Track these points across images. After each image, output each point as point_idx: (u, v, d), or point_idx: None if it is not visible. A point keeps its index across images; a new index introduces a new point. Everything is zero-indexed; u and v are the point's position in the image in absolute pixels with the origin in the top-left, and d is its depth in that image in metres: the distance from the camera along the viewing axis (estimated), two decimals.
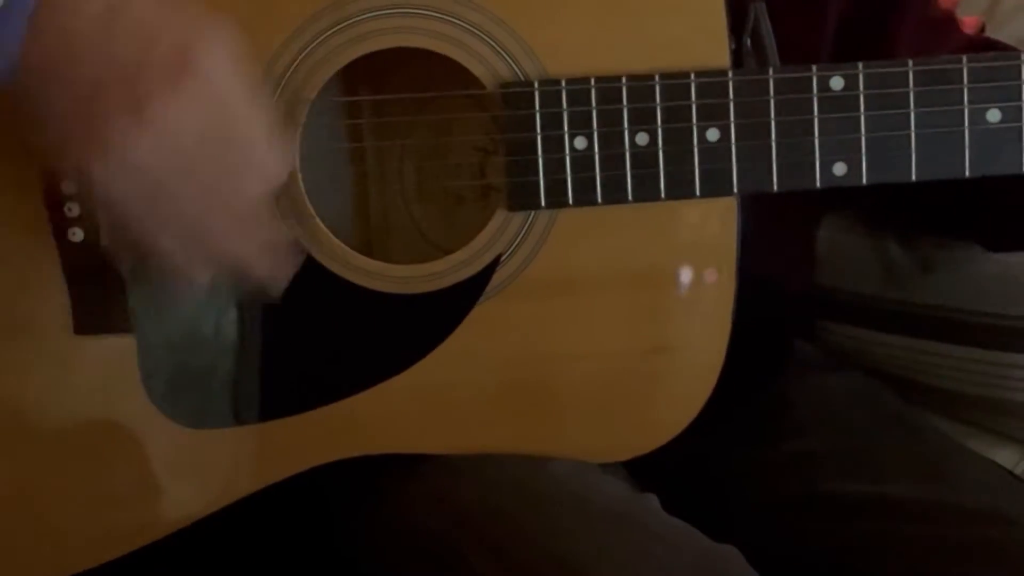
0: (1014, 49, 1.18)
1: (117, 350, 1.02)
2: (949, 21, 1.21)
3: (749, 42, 1.02)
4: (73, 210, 1.00)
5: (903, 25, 1.17)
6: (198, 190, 0.89)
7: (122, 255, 0.98)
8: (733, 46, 1.01)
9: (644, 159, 1.00)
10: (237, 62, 0.89)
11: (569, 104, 1.00)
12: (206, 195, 0.90)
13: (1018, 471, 1.30)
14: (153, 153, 0.86)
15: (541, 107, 1.00)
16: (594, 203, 1.01)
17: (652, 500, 1.03)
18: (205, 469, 1.05)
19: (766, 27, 1.02)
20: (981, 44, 1.20)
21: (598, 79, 0.99)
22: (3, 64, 0.86)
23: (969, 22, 1.22)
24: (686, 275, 1.03)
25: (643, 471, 1.09)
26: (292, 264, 0.97)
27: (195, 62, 0.87)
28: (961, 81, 0.99)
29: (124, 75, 0.86)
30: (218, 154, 0.89)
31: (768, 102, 1.00)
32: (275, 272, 0.95)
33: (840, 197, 1.24)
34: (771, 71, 1.00)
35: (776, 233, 1.10)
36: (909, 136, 1.00)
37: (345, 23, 1.00)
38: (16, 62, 0.86)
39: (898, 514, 1.09)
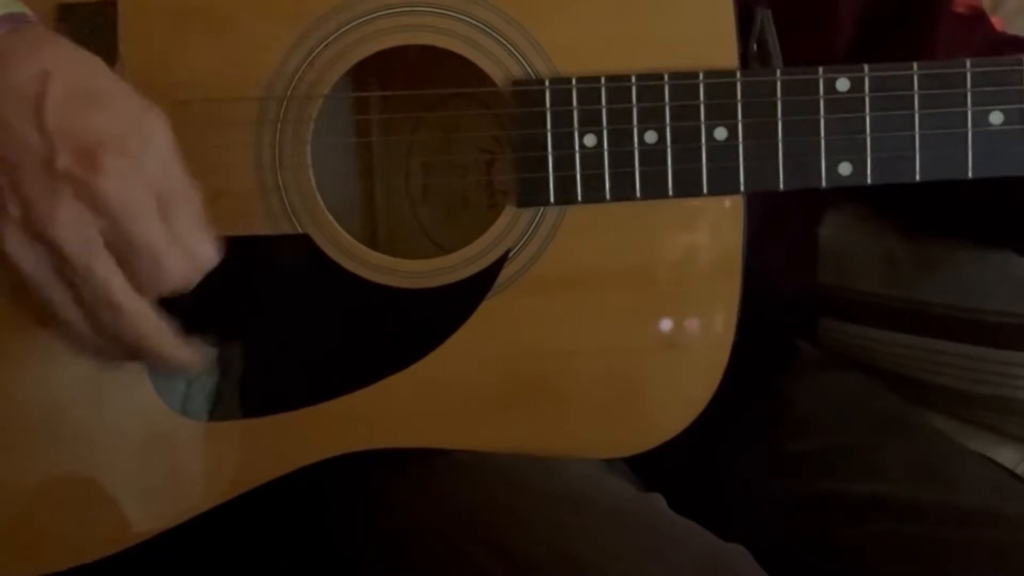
0: None
1: None
2: (980, 18, 1.21)
3: (755, 47, 1.03)
4: None
5: (938, 22, 1.18)
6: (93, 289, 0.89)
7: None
8: (740, 51, 1.02)
9: (653, 157, 1.01)
10: (155, 165, 0.88)
11: (579, 102, 1.01)
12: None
13: (1019, 470, 1.30)
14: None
15: (552, 105, 1.01)
16: (603, 200, 1.02)
17: (659, 500, 1.03)
18: (211, 463, 1.05)
19: (771, 33, 1.03)
20: (1011, 41, 1.21)
21: (608, 78, 1.01)
22: None
23: (994, 22, 1.23)
24: (692, 273, 1.04)
25: (644, 470, 1.10)
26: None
27: (101, 172, 0.86)
28: (964, 84, 1.01)
29: (34, 162, 0.86)
30: (122, 260, 0.89)
31: (775, 102, 1.01)
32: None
33: (842, 194, 1.26)
34: (778, 72, 1.01)
35: (777, 231, 1.11)
36: (913, 137, 1.01)
37: (358, 21, 1.01)
38: None
39: (898, 514, 1.09)
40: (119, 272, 0.88)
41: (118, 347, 0.92)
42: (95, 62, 0.91)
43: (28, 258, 0.87)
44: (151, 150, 0.88)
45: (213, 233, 0.92)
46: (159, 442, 1.05)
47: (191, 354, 0.94)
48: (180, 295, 0.91)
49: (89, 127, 0.87)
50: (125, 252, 0.88)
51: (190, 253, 0.90)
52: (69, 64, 0.89)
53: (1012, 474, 1.21)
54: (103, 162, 0.86)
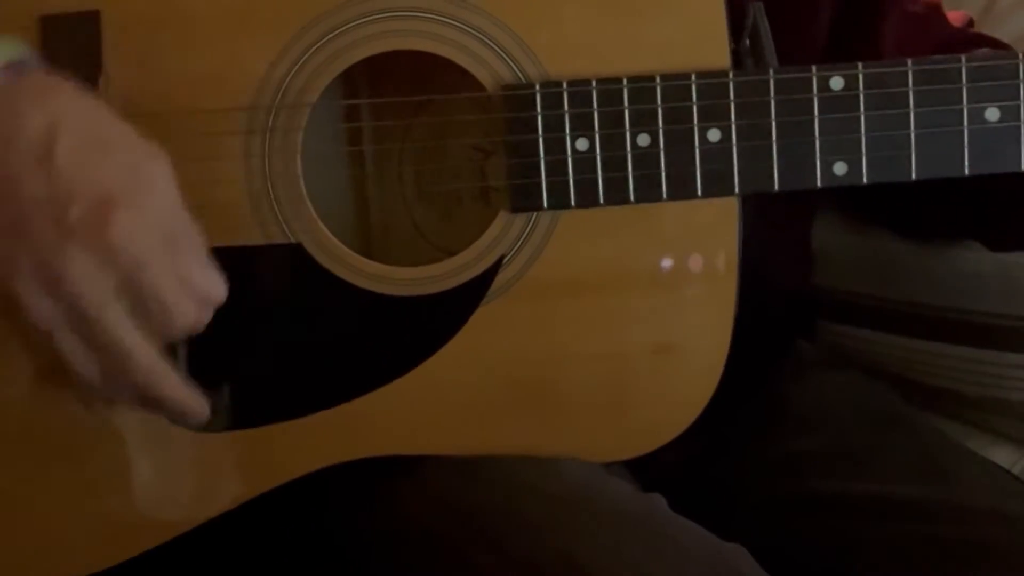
0: (1003, 44, 1.19)
1: None
2: (934, 15, 1.21)
3: (748, 42, 1.03)
4: None
5: (885, 20, 1.18)
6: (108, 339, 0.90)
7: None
8: (732, 46, 1.02)
9: (646, 160, 1.01)
10: (162, 212, 0.89)
11: (571, 106, 1.00)
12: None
13: (1016, 471, 1.30)
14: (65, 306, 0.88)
15: (543, 109, 1.00)
16: (596, 204, 1.01)
17: (659, 500, 1.03)
18: (210, 473, 1.05)
19: (764, 27, 1.03)
20: (969, 38, 1.20)
21: (599, 80, 1.00)
22: None
23: (954, 16, 1.22)
24: (688, 275, 1.04)
25: (643, 471, 1.10)
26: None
27: (114, 224, 0.87)
28: (960, 80, 1.00)
29: (42, 223, 0.87)
30: (133, 307, 0.89)
31: (769, 102, 1.00)
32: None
33: (834, 195, 1.25)
34: (771, 72, 1.01)
35: (770, 232, 1.10)
36: (909, 135, 1.01)
37: (346, 27, 1.00)
38: None
39: (898, 514, 1.09)
40: (130, 322, 0.89)
41: (128, 393, 0.93)
42: (98, 108, 0.92)
43: (41, 310, 0.88)
44: (156, 196, 0.89)
45: (217, 271, 0.93)
46: (157, 455, 1.04)
47: (199, 403, 0.95)
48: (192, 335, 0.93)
49: (98, 178, 0.88)
50: (136, 301, 0.89)
51: (199, 293, 0.92)
52: (76, 113, 0.90)
53: (1010, 474, 1.21)
54: (115, 214, 0.87)
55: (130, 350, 0.90)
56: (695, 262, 1.04)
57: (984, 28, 1.25)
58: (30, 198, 0.87)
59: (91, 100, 0.92)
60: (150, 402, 0.94)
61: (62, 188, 0.87)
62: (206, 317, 0.93)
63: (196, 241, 0.92)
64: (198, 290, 0.91)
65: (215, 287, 0.93)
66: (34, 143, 0.87)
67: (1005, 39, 1.20)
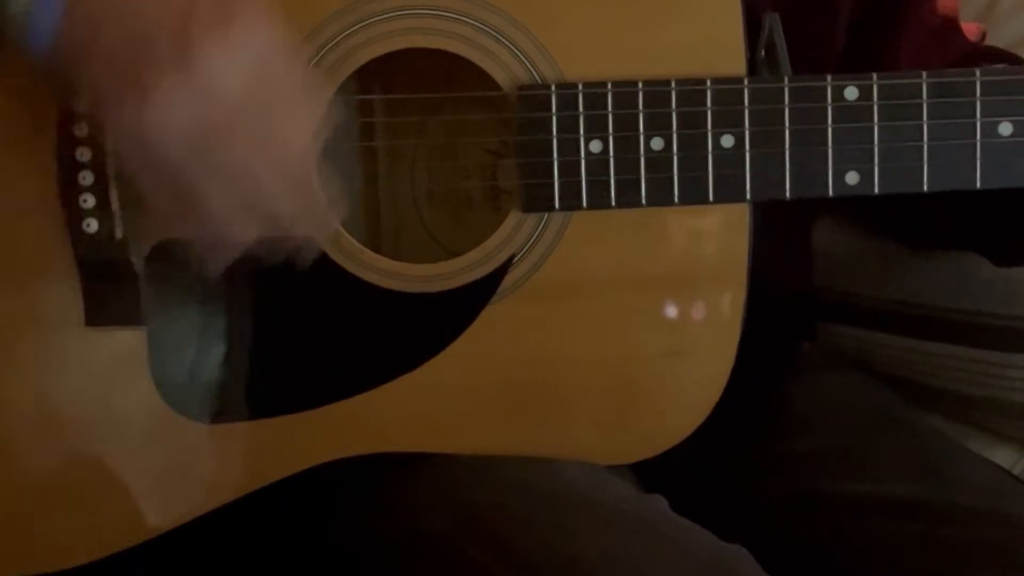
0: (1019, 59, 1.19)
1: (128, 343, 1.03)
2: (951, 28, 1.21)
3: (763, 52, 1.02)
4: (88, 201, 0.99)
5: (905, 34, 1.17)
6: (246, 140, 0.90)
7: (162, 214, 0.97)
8: (748, 55, 1.02)
9: (658, 164, 1.01)
10: (276, 17, 0.90)
11: (585, 107, 1.00)
12: (253, 145, 0.90)
13: (1016, 471, 1.31)
14: (201, 102, 0.87)
15: (557, 110, 1.00)
16: (608, 206, 1.02)
17: (660, 501, 1.03)
18: (214, 465, 1.05)
19: (780, 38, 1.02)
20: (983, 52, 1.20)
21: (615, 83, 1.00)
22: (48, 21, 0.88)
23: (969, 29, 1.22)
24: (697, 280, 1.04)
25: (644, 471, 1.10)
26: (330, 226, 0.97)
27: (240, 14, 0.88)
28: (974, 94, 1.00)
29: (170, 25, 0.87)
30: (265, 104, 0.90)
31: (783, 110, 1.00)
32: (314, 232, 0.96)
33: (835, 200, 1.25)
34: (786, 80, 1.01)
35: (773, 233, 1.10)
36: (922, 147, 1.01)
37: (362, 23, 1.00)
38: (57, 23, 0.88)
39: (898, 514, 1.10)
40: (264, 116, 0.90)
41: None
42: None
43: (190, 101, 0.88)
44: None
45: None
46: (162, 444, 1.05)
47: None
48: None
49: None
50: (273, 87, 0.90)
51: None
52: None
53: (1010, 475, 1.21)
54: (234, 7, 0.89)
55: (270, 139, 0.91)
56: (705, 267, 1.04)
57: (985, 30, 1.24)
58: (154, 10, 0.88)
59: None
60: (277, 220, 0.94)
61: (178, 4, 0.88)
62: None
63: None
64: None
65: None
66: None
67: (1006, 41, 1.20)
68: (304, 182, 0.93)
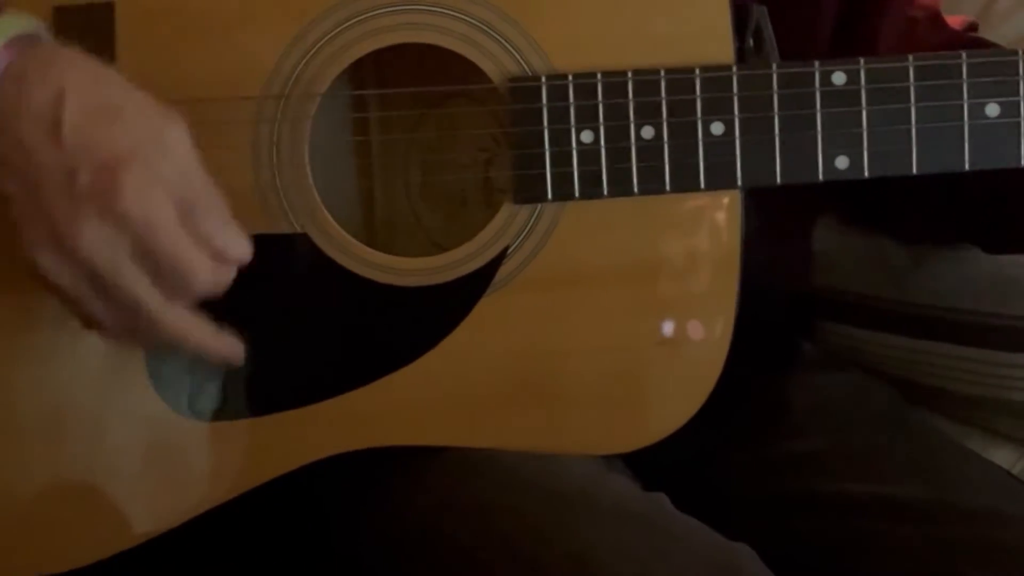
0: (1002, 47, 1.20)
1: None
2: (933, 19, 1.22)
3: (751, 42, 1.04)
4: None
5: (885, 25, 1.19)
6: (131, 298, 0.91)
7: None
8: (736, 46, 1.03)
9: (650, 152, 1.02)
10: (174, 172, 0.90)
11: (576, 98, 1.01)
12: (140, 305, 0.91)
13: (1016, 471, 1.30)
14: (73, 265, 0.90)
15: (548, 101, 1.01)
16: (600, 196, 1.02)
17: (664, 499, 1.03)
18: (211, 463, 1.05)
19: (767, 28, 1.03)
20: (967, 42, 1.21)
21: (605, 73, 1.01)
22: None
23: (954, 21, 1.23)
24: (691, 267, 1.04)
25: (644, 470, 1.10)
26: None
27: (121, 189, 0.88)
28: (960, 76, 1.01)
29: (56, 186, 0.88)
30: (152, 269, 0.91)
31: (771, 96, 1.01)
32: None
33: (835, 196, 1.26)
34: (774, 66, 1.01)
35: (772, 232, 1.11)
36: (910, 130, 1.01)
37: (356, 19, 1.01)
38: None
39: (898, 514, 1.09)
40: (147, 283, 0.90)
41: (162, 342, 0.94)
42: (108, 75, 0.93)
43: (62, 275, 0.90)
44: (168, 159, 0.90)
45: (241, 230, 0.93)
46: (160, 443, 1.05)
47: (231, 346, 0.96)
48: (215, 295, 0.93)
49: (106, 142, 0.89)
50: (152, 263, 0.90)
51: (219, 254, 0.92)
52: (82, 80, 0.90)
53: (1010, 475, 1.21)
54: (122, 178, 0.88)
55: (151, 310, 0.91)
56: (698, 257, 1.04)
57: (983, 29, 1.25)
58: (42, 169, 0.88)
59: (100, 68, 0.92)
60: (184, 351, 0.95)
61: (69, 156, 0.88)
62: (228, 276, 0.93)
63: (214, 200, 0.92)
64: (216, 249, 0.92)
65: (235, 246, 0.93)
66: (42, 114, 0.88)
67: (1004, 40, 1.20)
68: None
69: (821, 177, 1.02)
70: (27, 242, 0.90)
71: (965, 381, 1.31)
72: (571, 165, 1.02)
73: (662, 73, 1.01)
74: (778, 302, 1.23)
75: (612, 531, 0.98)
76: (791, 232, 1.25)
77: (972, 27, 1.24)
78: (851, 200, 1.27)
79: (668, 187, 1.02)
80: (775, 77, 1.01)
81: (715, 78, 1.01)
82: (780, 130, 1.01)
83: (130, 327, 0.92)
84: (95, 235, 0.88)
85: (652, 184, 1.02)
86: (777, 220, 1.12)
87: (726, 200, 1.03)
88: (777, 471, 1.16)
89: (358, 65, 1.03)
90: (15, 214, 0.90)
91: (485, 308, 1.03)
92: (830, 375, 1.26)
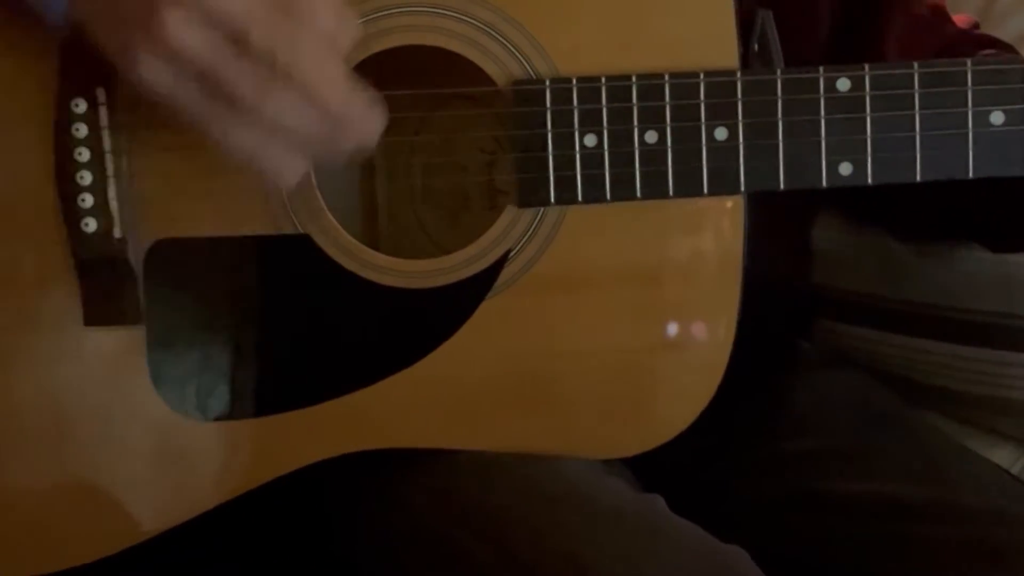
0: (1007, 45, 1.20)
1: (126, 342, 1.03)
2: (939, 16, 1.22)
3: (756, 47, 1.03)
4: (86, 200, 1.00)
5: (889, 22, 1.18)
6: (255, 78, 0.88)
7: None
8: (741, 51, 1.02)
9: (653, 157, 1.01)
10: None
11: (580, 102, 1.01)
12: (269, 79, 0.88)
13: (1015, 471, 1.31)
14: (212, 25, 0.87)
15: (552, 104, 1.01)
16: (603, 200, 1.02)
17: (659, 501, 1.03)
18: (213, 463, 1.06)
19: (772, 34, 1.03)
20: (974, 39, 1.21)
21: (609, 77, 1.01)
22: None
23: (960, 20, 1.23)
24: (693, 271, 1.04)
25: (644, 471, 1.10)
26: (376, 120, 0.94)
27: None
28: (965, 83, 1.01)
29: None
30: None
31: (776, 102, 1.01)
32: (362, 137, 0.93)
33: (835, 195, 1.26)
34: (779, 72, 1.01)
35: (771, 230, 1.10)
36: (914, 137, 1.01)
37: (362, 20, 1.01)
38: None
39: (898, 514, 1.10)
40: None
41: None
42: None
43: (163, 76, 0.87)
44: None
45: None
46: (161, 443, 1.05)
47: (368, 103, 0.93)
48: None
49: None
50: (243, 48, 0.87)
51: (322, 33, 0.89)
52: None
53: (1010, 475, 1.21)
54: None
55: (283, 63, 0.87)
56: (700, 260, 1.04)
57: (983, 29, 1.25)
58: None
59: None
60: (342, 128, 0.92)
61: None
62: (336, 60, 0.90)
63: None
64: (319, 30, 0.89)
65: (343, 28, 0.90)
66: None
67: (1004, 39, 1.20)
68: (333, 95, 0.91)
69: (825, 183, 1.02)
70: (120, 61, 0.88)
71: (966, 381, 1.31)
72: (574, 169, 1.02)
73: (666, 77, 1.01)
74: (778, 301, 1.23)
75: (606, 533, 0.98)
76: (791, 230, 1.26)
77: (974, 28, 1.23)
78: (853, 197, 1.26)
79: (671, 192, 1.02)
80: (779, 83, 1.01)
81: (719, 83, 1.01)
82: (784, 136, 1.01)
83: (273, 105, 0.88)
84: (178, 18, 0.86)
85: (655, 189, 1.02)
86: (776, 218, 1.12)
87: (729, 204, 1.03)
88: (776, 471, 1.16)
89: (362, 67, 1.02)
90: (100, 37, 0.90)
91: (487, 311, 1.03)
92: (829, 374, 1.26)
